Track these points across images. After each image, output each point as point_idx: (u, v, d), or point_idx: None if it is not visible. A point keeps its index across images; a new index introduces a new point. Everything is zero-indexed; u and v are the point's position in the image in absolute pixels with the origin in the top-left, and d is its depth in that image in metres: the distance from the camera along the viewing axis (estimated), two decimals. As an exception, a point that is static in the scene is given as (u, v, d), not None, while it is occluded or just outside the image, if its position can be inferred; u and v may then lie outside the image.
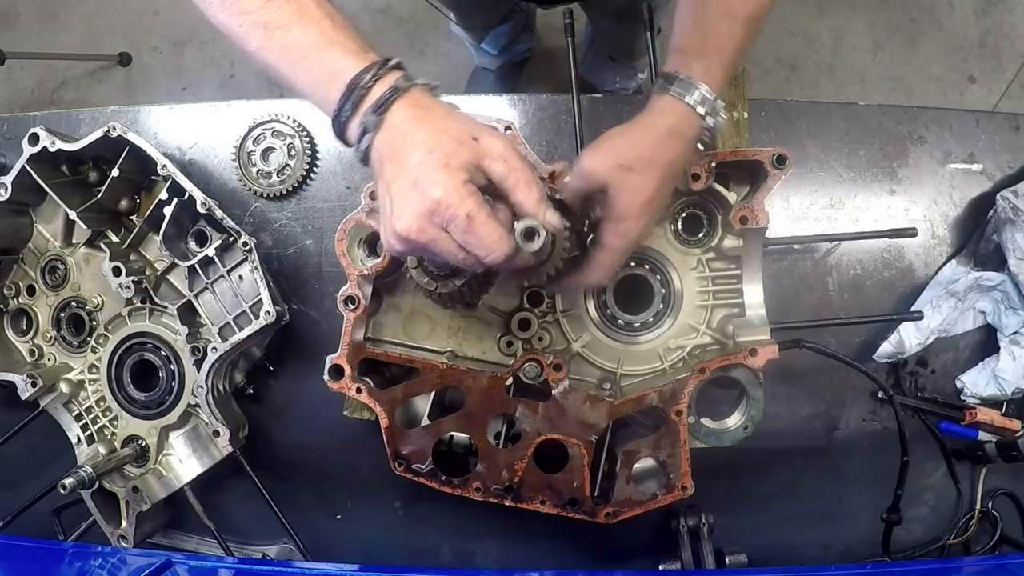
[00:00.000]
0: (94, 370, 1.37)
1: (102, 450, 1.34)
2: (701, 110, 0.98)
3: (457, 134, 0.84)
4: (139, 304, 1.34)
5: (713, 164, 1.13)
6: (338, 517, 1.46)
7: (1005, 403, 1.38)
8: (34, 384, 1.32)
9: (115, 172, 1.29)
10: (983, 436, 1.37)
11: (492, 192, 0.87)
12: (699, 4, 1.01)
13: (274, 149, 1.43)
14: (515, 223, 0.93)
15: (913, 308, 1.38)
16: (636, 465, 1.16)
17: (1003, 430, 1.36)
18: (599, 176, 0.97)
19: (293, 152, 1.43)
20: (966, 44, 3.08)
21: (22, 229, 1.39)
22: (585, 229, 1.11)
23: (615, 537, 1.37)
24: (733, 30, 0.99)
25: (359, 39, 0.90)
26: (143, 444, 1.35)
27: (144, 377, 1.36)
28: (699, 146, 1.05)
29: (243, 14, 0.89)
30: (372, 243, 1.16)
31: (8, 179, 1.30)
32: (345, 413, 1.31)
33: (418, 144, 0.82)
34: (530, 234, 0.94)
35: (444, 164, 0.81)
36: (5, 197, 1.30)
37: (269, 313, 1.23)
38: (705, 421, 1.19)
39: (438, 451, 1.17)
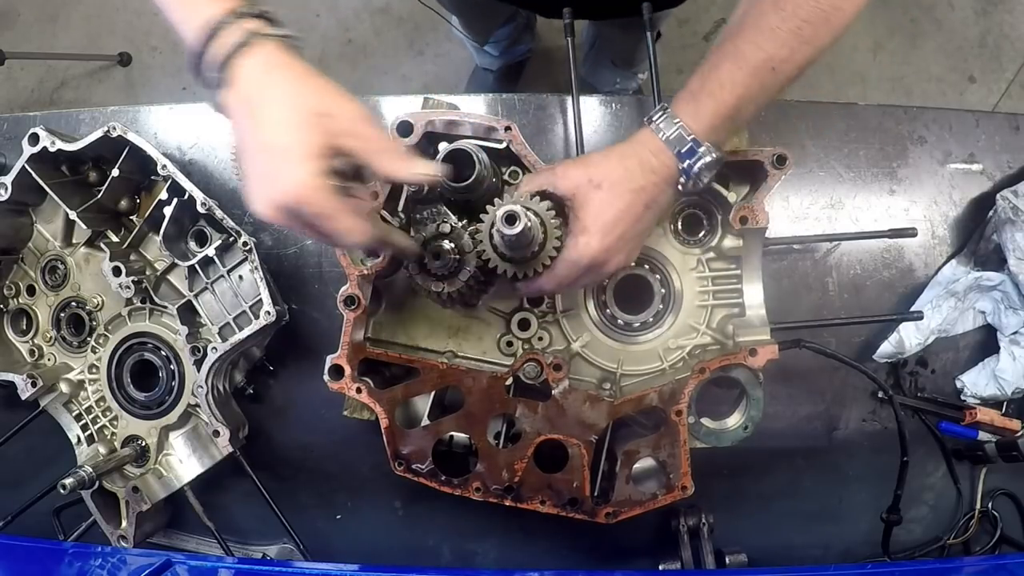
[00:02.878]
0: (94, 370, 1.37)
1: (102, 450, 1.34)
2: (675, 149, 0.98)
3: (308, 112, 0.78)
4: (139, 304, 1.34)
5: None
6: (338, 517, 1.46)
7: (1005, 403, 1.38)
8: (34, 384, 1.32)
9: (115, 172, 1.29)
10: (983, 436, 1.37)
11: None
12: (721, 40, 0.99)
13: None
14: (496, 212, 0.97)
15: (913, 308, 1.38)
16: (636, 465, 1.16)
17: (1003, 430, 1.36)
18: (568, 184, 1.00)
19: (293, 152, 1.42)
20: (966, 44, 3.09)
21: (22, 229, 1.39)
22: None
23: (615, 537, 1.37)
24: (736, 77, 0.95)
25: None
26: (143, 444, 1.35)
27: (144, 377, 1.36)
28: (688, 181, 1.01)
29: None
30: (372, 243, 1.16)
31: (8, 179, 1.30)
32: (345, 413, 1.31)
33: (266, 121, 0.78)
34: (511, 219, 0.96)
35: (297, 156, 0.77)
36: (5, 197, 1.30)
37: (269, 313, 1.23)
38: (705, 421, 1.19)
39: (438, 451, 1.17)
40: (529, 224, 1.00)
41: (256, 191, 0.79)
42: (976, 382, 1.38)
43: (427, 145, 1.15)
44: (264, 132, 0.78)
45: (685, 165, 0.99)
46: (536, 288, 1.07)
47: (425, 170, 0.89)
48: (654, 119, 1.00)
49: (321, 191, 0.77)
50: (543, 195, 1.04)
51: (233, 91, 0.80)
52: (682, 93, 1.00)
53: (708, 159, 0.98)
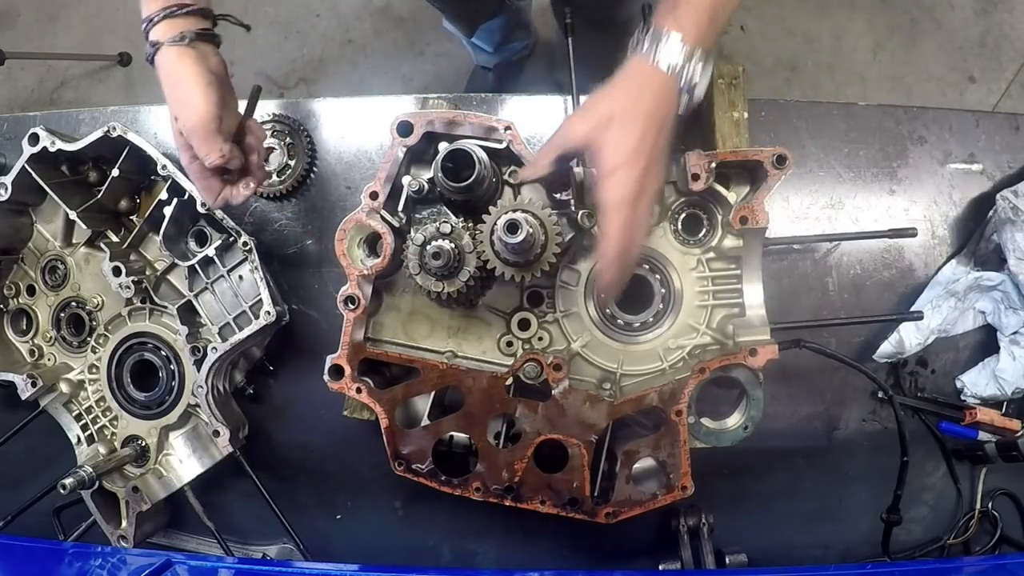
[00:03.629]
0: (94, 370, 1.37)
1: (102, 450, 1.34)
2: (667, 64, 0.97)
3: (172, 108, 1.05)
4: (139, 304, 1.34)
5: (713, 164, 1.13)
6: (338, 517, 1.46)
7: (1005, 403, 1.38)
8: (34, 384, 1.32)
9: (115, 172, 1.29)
10: (983, 436, 1.37)
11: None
12: None
13: (274, 149, 1.43)
14: (497, 220, 1.00)
15: (913, 308, 1.38)
16: (636, 465, 1.16)
17: (1003, 430, 1.36)
18: (578, 136, 0.98)
19: (293, 152, 1.43)
20: (966, 44, 3.09)
21: (22, 229, 1.39)
22: (572, 208, 1.12)
23: (615, 537, 1.37)
24: None
25: None
26: (143, 444, 1.35)
27: (144, 377, 1.36)
28: (685, 96, 1.00)
29: None
30: (372, 243, 1.16)
31: (8, 179, 1.30)
32: (345, 413, 1.31)
33: (182, 82, 1.04)
34: (512, 227, 0.97)
35: (176, 127, 1.06)
36: (5, 197, 1.30)
37: (269, 313, 1.23)
38: (705, 421, 1.19)
39: (438, 451, 1.17)
40: (531, 231, 1.01)
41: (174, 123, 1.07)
42: (976, 382, 1.38)
43: (427, 145, 1.15)
44: (169, 102, 1.07)
45: (681, 77, 0.98)
46: (607, 263, 1.01)
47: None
48: (644, 39, 0.99)
49: (184, 143, 1.06)
50: (560, 159, 1.01)
51: (159, 67, 1.06)
52: (660, 8, 1.00)
53: (701, 65, 0.98)
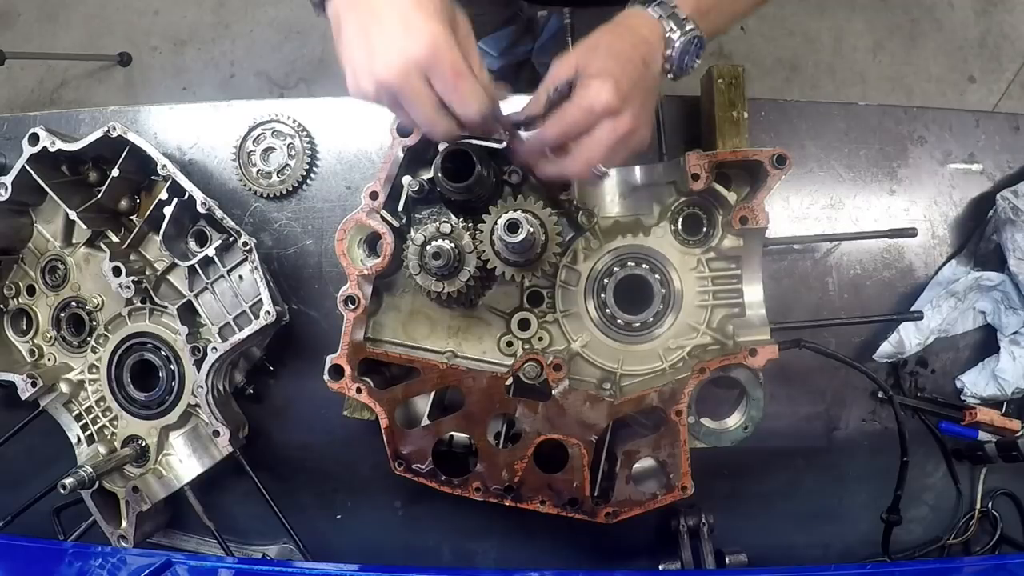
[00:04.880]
0: (94, 370, 1.37)
1: (102, 450, 1.34)
2: (660, 19, 0.97)
3: (390, 38, 0.80)
4: (139, 304, 1.34)
5: (713, 164, 1.13)
6: (338, 517, 1.46)
7: (1005, 403, 1.38)
8: (34, 384, 1.32)
9: (115, 172, 1.29)
10: (983, 436, 1.37)
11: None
12: None
13: (274, 149, 1.43)
14: (497, 219, 0.97)
15: (913, 308, 1.38)
16: (636, 465, 1.16)
17: (1003, 430, 1.36)
18: (567, 67, 0.94)
19: (293, 152, 1.43)
20: (966, 44, 3.09)
21: (22, 229, 1.39)
22: (574, 208, 1.13)
23: (615, 537, 1.37)
24: None
25: None
26: (143, 444, 1.35)
27: (144, 377, 1.36)
28: (664, 65, 0.98)
29: None
30: (372, 243, 1.16)
31: (8, 179, 1.30)
32: (345, 413, 1.31)
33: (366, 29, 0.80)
34: (513, 227, 0.97)
35: (434, 12, 0.78)
36: (5, 197, 1.30)
37: (269, 313, 1.23)
38: (705, 421, 1.19)
39: (438, 451, 1.17)
40: (531, 231, 1.01)
41: (383, 49, 0.78)
42: (976, 382, 1.38)
43: (427, 145, 1.15)
44: None
45: (671, 38, 0.97)
46: (540, 139, 0.96)
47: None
48: (644, 3, 0.98)
49: (455, 47, 0.78)
50: (551, 98, 0.97)
51: None
52: None
53: (694, 36, 0.97)
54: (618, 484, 1.15)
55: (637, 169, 1.21)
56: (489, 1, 1.88)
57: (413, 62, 0.78)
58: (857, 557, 1.39)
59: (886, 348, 1.36)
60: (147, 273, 1.32)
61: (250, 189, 1.43)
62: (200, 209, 1.25)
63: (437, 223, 1.09)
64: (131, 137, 1.26)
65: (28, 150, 1.28)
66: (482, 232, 1.08)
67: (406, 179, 1.12)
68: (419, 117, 0.84)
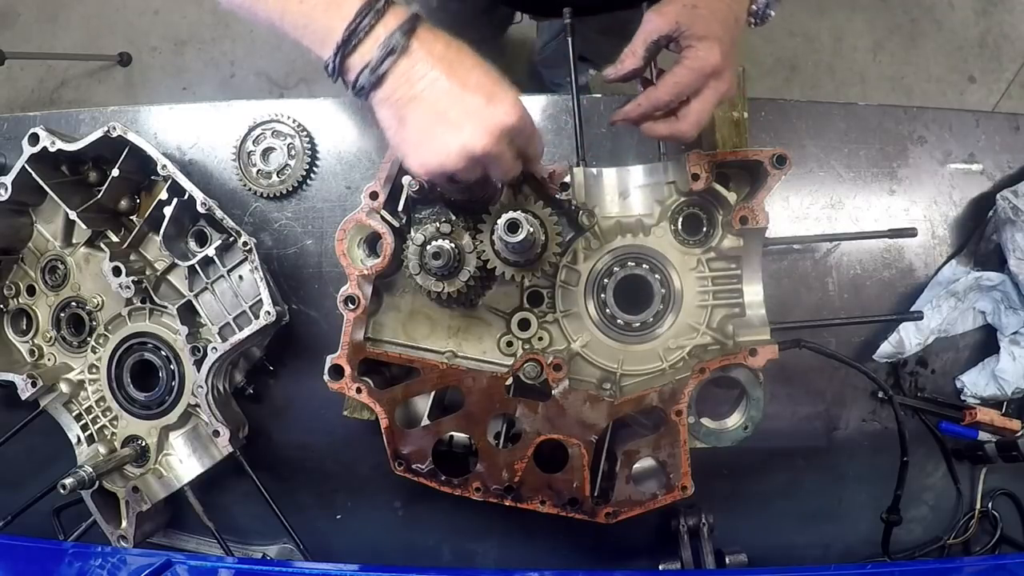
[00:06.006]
0: (94, 370, 1.37)
1: (102, 450, 1.34)
2: None
3: (469, 113, 0.84)
4: (139, 304, 1.34)
5: (713, 164, 1.13)
6: (338, 517, 1.46)
7: (1005, 403, 1.38)
8: (34, 384, 1.32)
9: (115, 172, 1.29)
10: (983, 436, 1.37)
11: None
12: None
13: (274, 149, 1.43)
14: (497, 219, 1.00)
15: (913, 308, 1.38)
16: (636, 465, 1.16)
17: (1003, 430, 1.36)
18: (666, 19, 0.98)
19: (293, 152, 1.43)
20: (966, 44, 3.09)
21: (22, 229, 1.39)
22: (573, 208, 1.13)
23: (615, 537, 1.37)
24: None
25: None
26: (143, 444, 1.35)
27: (144, 377, 1.36)
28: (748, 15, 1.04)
29: None
30: (372, 243, 1.16)
31: (8, 179, 1.30)
32: (345, 413, 1.31)
33: (475, 66, 0.84)
34: (513, 227, 0.98)
35: (505, 80, 0.85)
36: (5, 197, 1.30)
37: (269, 313, 1.23)
38: (705, 421, 1.19)
39: (438, 451, 1.17)
40: (531, 230, 1.01)
41: (467, 124, 0.83)
42: (976, 382, 1.38)
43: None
44: (473, 74, 0.83)
45: None
46: (653, 102, 1.01)
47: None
48: None
49: (527, 113, 0.86)
50: (649, 50, 1.01)
51: (417, 57, 0.82)
52: None
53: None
54: (618, 484, 1.15)
55: (637, 169, 1.21)
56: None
57: (501, 129, 0.84)
58: (857, 557, 1.39)
59: (886, 348, 1.36)
60: (147, 273, 1.32)
61: (250, 189, 1.43)
62: (200, 209, 1.25)
63: (437, 223, 1.09)
64: (131, 137, 1.26)
65: (28, 150, 1.27)
66: (482, 232, 1.08)
67: (406, 179, 1.12)
68: (502, 174, 0.90)
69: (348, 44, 0.82)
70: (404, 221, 1.15)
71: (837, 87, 3.04)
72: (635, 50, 1.02)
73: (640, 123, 1.06)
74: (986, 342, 1.42)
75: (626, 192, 1.21)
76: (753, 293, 1.19)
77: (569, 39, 1.34)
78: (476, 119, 0.83)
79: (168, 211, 1.27)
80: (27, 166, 1.28)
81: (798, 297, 1.41)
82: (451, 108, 0.83)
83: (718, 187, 1.15)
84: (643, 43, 1.01)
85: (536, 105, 1.43)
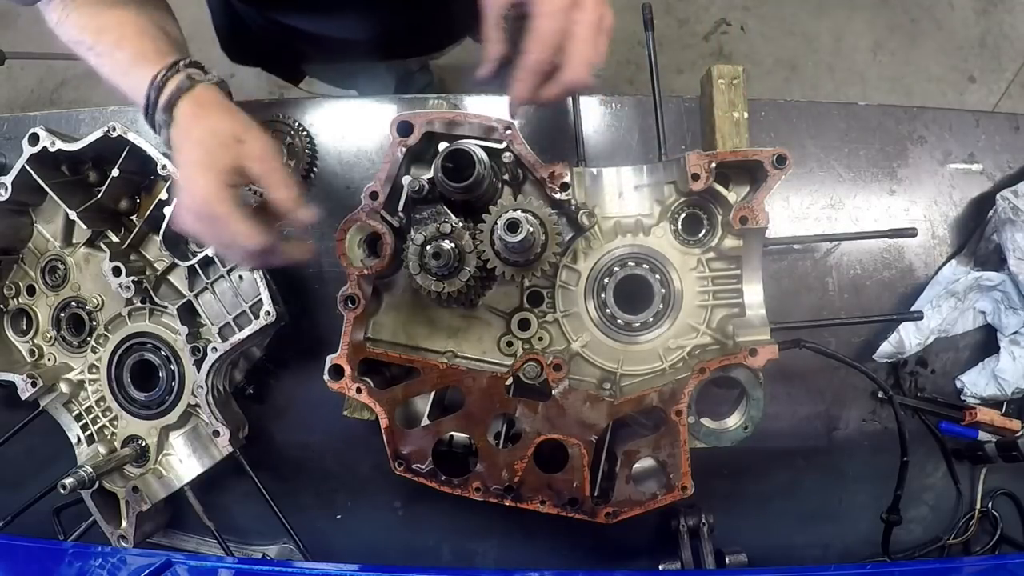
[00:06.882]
0: (94, 370, 1.37)
1: (102, 450, 1.34)
2: None
3: (224, 137, 0.95)
4: (139, 304, 1.34)
5: (713, 164, 1.13)
6: (338, 517, 1.46)
7: (1005, 403, 1.38)
8: (34, 384, 1.32)
9: (115, 172, 1.29)
10: (983, 436, 1.37)
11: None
12: None
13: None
14: (497, 219, 0.97)
15: (913, 308, 1.38)
16: (636, 465, 1.16)
17: (1003, 430, 1.36)
18: None
19: (293, 152, 1.43)
20: (966, 44, 3.09)
21: (22, 229, 1.39)
22: (573, 208, 1.13)
23: (615, 537, 1.37)
24: None
25: (168, 44, 1.06)
26: (143, 444, 1.35)
27: (144, 377, 1.36)
28: None
29: (75, 43, 1.08)
30: (372, 243, 1.16)
31: (8, 179, 1.30)
32: (345, 413, 1.31)
33: (192, 143, 0.95)
34: (513, 226, 0.98)
35: (208, 167, 0.92)
36: (5, 197, 1.30)
37: (269, 313, 1.23)
38: (705, 421, 1.19)
39: (438, 451, 1.17)
40: (531, 230, 1.01)
41: (178, 202, 0.97)
42: (976, 382, 1.38)
43: (427, 145, 1.15)
44: (189, 153, 0.95)
45: None
46: (531, 68, 0.96)
47: (304, 216, 0.99)
48: None
49: (223, 199, 0.92)
50: (508, 23, 0.96)
51: (175, 127, 0.98)
52: None
53: None
54: (618, 484, 1.15)
55: (637, 169, 1.21)
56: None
57: (192, 212, 0.94)
58: (857, 557, 1.39)
59: (886, 348, 1.36)
60: (147, 273, 1.32)
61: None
62: (200, 209, 1.25)
63: (437, 223, 1.09)
64: (131, 137, 1.26)
65: (28, 150, 1.28)
66: (482, 232, 1.08)
67: (406, 179, 1.12)
68: (216, 246, 1.00)
69: (149, 120, 1.02)
70: (404, 221, 1.15)
71: (837, 87, 3.04)
72: (490, 34, 0.97)
73: (536, 98, 1.00)
74: (986, 342, 1.42)
75: (626, 192, 1.21)
76: (753, 293, 1.19)
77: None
78: (183, 197, 0.95)
79: (168, 211, 1.27)
80: (27, 166, 1.28)
81: (798, 297, 1.41)
82: (181, 178, 0.97)
83: (718, 187, 1.15)
84: (495, 23, 0.96)
85: (535, 105, 1.43)
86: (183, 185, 0.95)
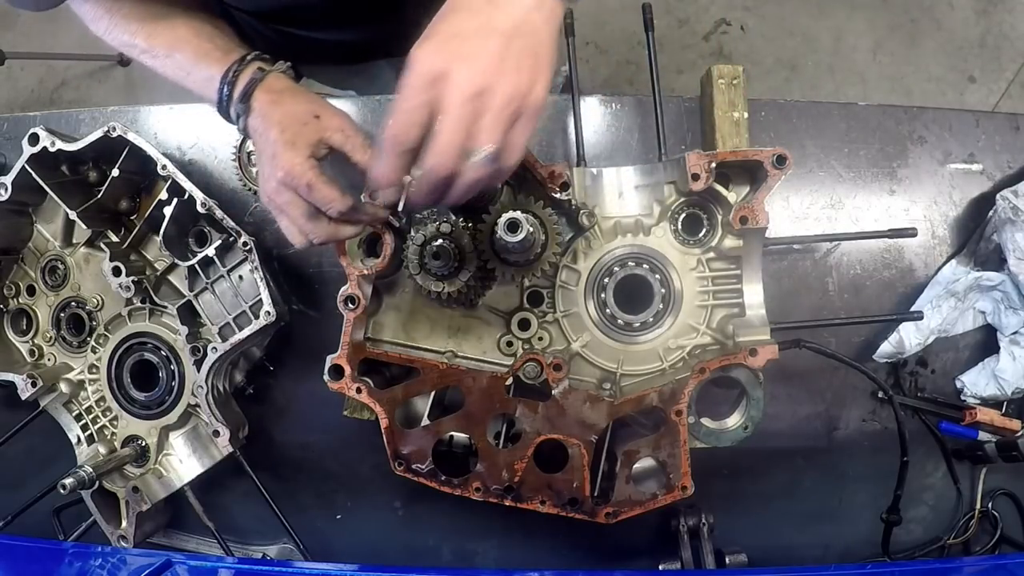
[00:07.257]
0: (94, 370, 1.37)
1: (102, 450, 1.34)
2: None
3: (303, 116, 1.00)
4: (139, 304, 1.34)
5: (713, 164, 1.13)
6: (338, 517, 1.46)
7: (1005, 403, 1.38)
8: (34, 384, 1.32)
9: (115, 172, 1.29)
10: (983, 436, 1.37)
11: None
12: None
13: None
14: (497, 219, 1.00)
15: (913, 308, 1.38)
16: (636, 465, 1.16)
17: (1003, 430, 1.36)
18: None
19: (293, 152, 1.42)
20: (966, 44, 3.09)
21: (22, 229, 1.39)
22: (573, 208, 1.13)
23: (615, 537, 1.37)
24: None
25: (227, 42, 1.11)
26: (143, 444, 1.35)
27: (144, 377, 1.36)
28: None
29: (128, 46, 1.17)
30: (372, 243, 1.16)
31: (8, 179, 1.30)
32: (345, 413, 1.31)
33: (274, 124, 1.00)
34: (513, 226, 0.98)
35: (293, 144, 0.98)
36: (5, 197, 1.30)
37: (269, 313, 1.23)
38: (705, 421, 1.19)
39: (438, 451, 1.17)
40: (531, 230, 1.01)
41: (263, 176, 1.01)
42: (976, 382, 1.38)
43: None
44: (272, 134, 1.00)
45: None
46: (395, 146, 0.87)
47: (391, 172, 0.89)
48: None
49: (309, 169, 0.97)
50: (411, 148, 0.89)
51: (254, 115, 1.04)
52: None
53: None
54: (618, 484, 1.15)
55: (637, 169, 1.21)
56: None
57: (280, 182, 0.98)
58: (857, 557, 1.39)
59: (886, 348, 1.36)
60: (147, 273, 1.32)
61: (250, 189, 1.42)
62: (200, 209, 1.25)
63: (437, 223, 1.09)
64: (131, 137, 1.26)
65: (28, 150, 1.28)
66: (482, 232, 1.08)
67: (406, 179, 1.12)
68: (300, 216, 1.00)
69: (223, 112, 1.08)
70: (404, 221, 1.15)
71: (837, 87, 3.04)
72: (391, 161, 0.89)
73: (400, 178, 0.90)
74: (986, 342, 1.42)
75: (626, 192, 1.21)
76: (753, 293, 1.19)
77: (570, 39, 1.33)
78: (269, 172, 0.99)
79: (168, 211, 1.27)
80: (27, 166, 1.28)
81: (798, 297, 1.41)
82: (265, 158, 1.02)
83: (718, 187, 1.15)
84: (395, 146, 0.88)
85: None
86: (270, 163, 0.99)
